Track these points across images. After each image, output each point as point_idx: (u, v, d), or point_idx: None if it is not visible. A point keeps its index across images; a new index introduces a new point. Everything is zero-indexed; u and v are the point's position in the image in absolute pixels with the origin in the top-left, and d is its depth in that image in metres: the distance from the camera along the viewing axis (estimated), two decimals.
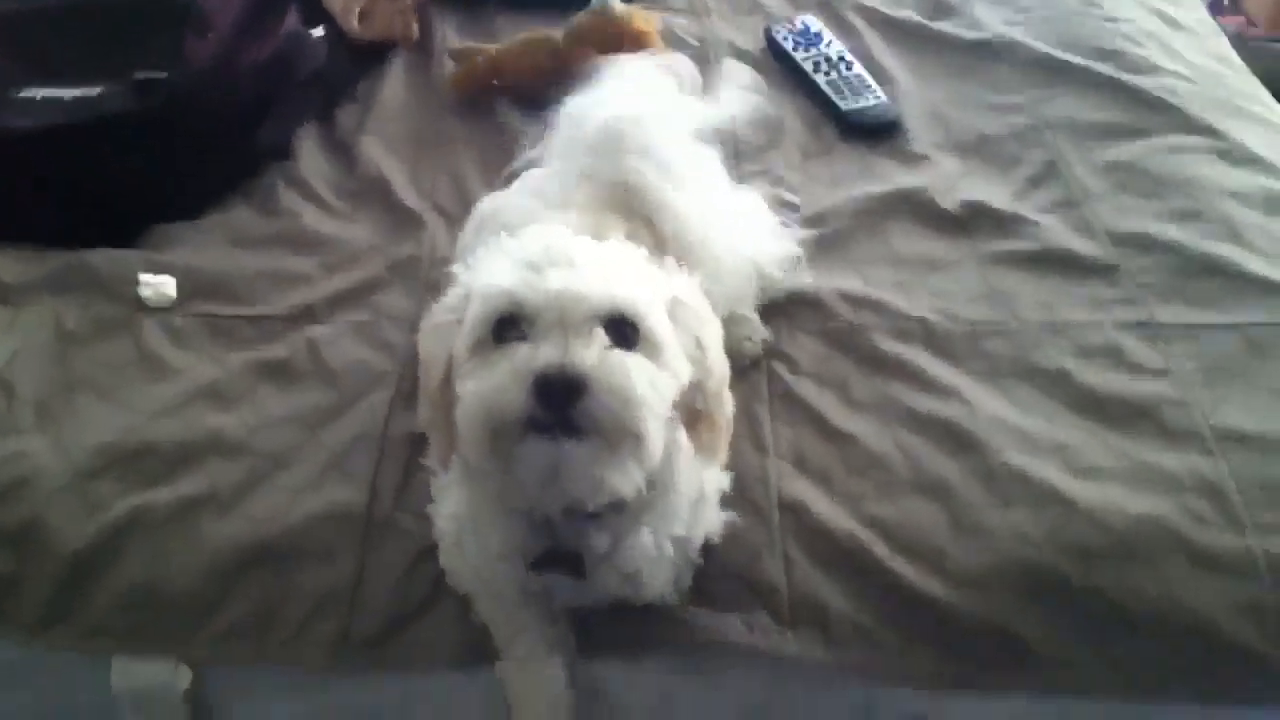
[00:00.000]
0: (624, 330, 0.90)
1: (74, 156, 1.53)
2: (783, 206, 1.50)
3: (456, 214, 1.53)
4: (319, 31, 1.75)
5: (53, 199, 1.52)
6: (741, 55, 1.85)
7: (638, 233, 1.18)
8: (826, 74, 1.75)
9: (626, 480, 0.92)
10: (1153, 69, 1.74)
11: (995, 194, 1.54)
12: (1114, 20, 1.86)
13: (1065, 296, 1.38)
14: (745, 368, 1.29)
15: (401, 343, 1.35)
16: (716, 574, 1.11)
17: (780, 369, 1.32)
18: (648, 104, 1.31)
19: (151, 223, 1.53)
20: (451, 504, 1.09)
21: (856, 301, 1.39)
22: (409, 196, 1.58)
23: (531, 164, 1.40)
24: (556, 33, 1.75)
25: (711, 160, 1.37)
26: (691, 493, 1.06)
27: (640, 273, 0.96)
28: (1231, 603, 1.06)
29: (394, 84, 1.80)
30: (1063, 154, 1.60)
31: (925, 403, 1.26)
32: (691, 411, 0.99)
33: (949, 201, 1.53)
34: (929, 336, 1.34)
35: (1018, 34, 1.84)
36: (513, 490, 0.96)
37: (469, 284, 0.96)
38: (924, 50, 1.84)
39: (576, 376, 0.86)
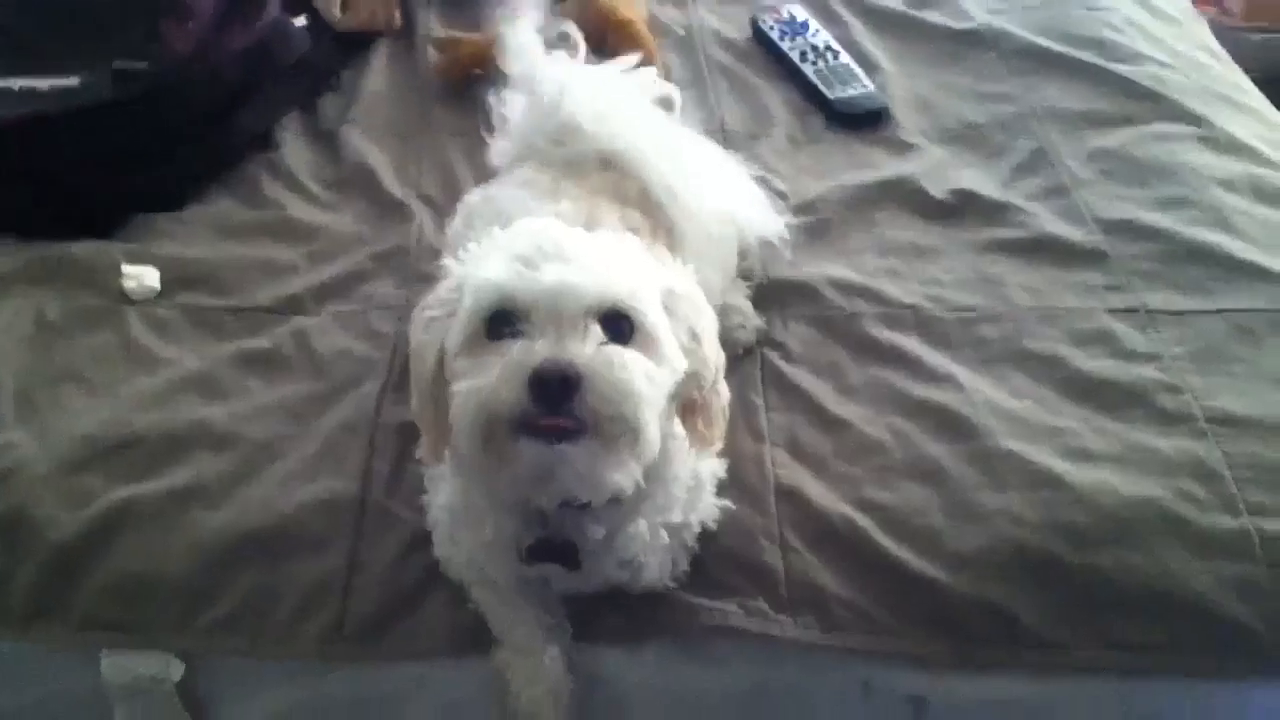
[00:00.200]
0: (619, 324, 0.90)
1: (52, 147, 1.51)
2: (772, 195, 1.49)
3: (443, 203, 1.52)
4: (301, 20, 1.73)
5: (31, 190, 1.50)
6: (727, 44, 1.85)
7: (630, 218, 1.17)
8: (814, 63, 1.74)
9: (625, 476, 0.92)
10: (1137, 57, 1.75)
11: (984, 182, 1.55)
12: (1097, 9, 1.87)
13: (1056, 283, 1.39)
14: (739, 356, 1.29)
15: (390, 332, 1.34)
16: (714, 560, 1.11)
17: (774, 357, 1.31)
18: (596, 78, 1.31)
19: (132, 213, 1.51)
20: (444, 495, 1.08)
21: (848, 289, 1.39)
22: (395, 186, 1.57)
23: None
24: None
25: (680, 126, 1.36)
26: (688, 480, 1.06)
27: (635, 265, 0.95)
28: (1226, 582, 1.07)
29: (377, 73, 1.79)
30: (1050, 142, 1.60)
31: (919, 388, 1.26)
32: (687, 402, 0.98)
33: (938, 189, 1.53)
34: (921, 323, 1.34)
35: (1002, 23, 1.85)
36: (507, 484, 0.95)
37: (461, 277, 0.95)
38: (910, 39, 1.84)
39: (572, 372, 0.85)
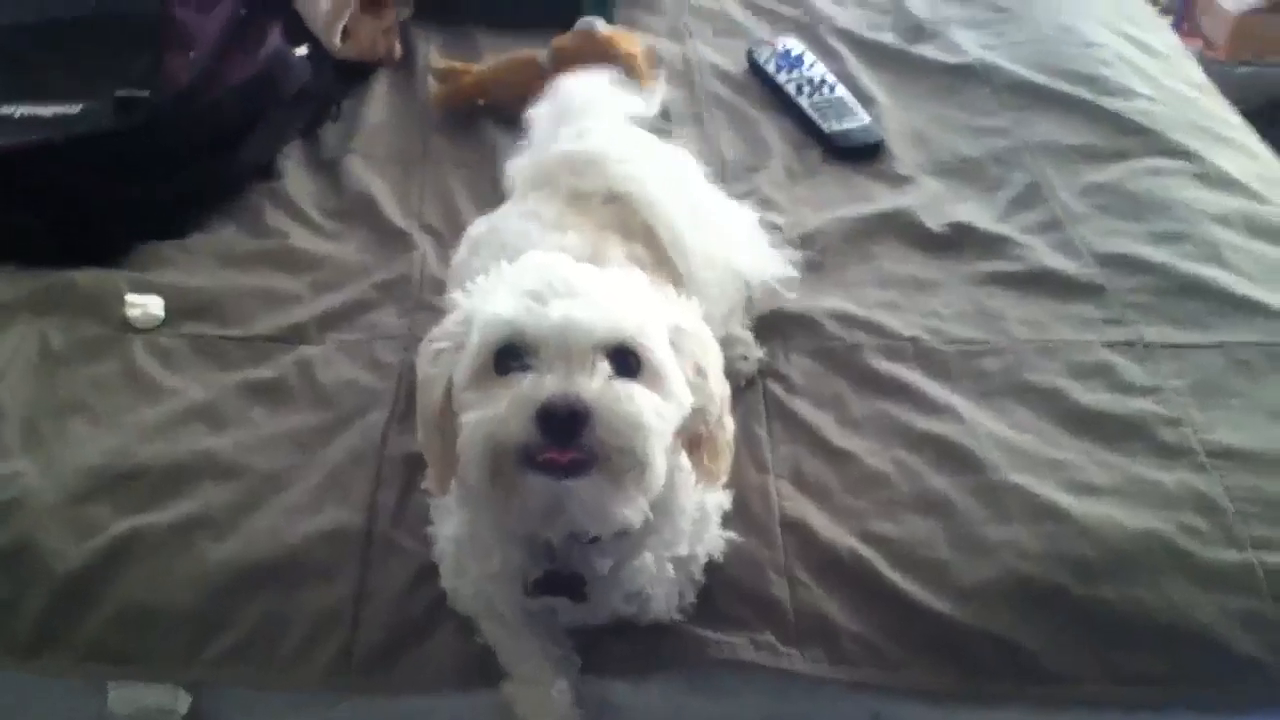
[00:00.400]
0: (627, 359, 0.90)
1: (54, 174, 1.51)
2: (770, 228, 1.50)
3: (445, 233, 1.53)
4: (303, 50, 1.74)
5: (34, 217, 1.50)
6: (724, 77, 1.87)
7: (636, 253, 1.18)
8: (809, 96, 1.76)
9: (632, 509, 0.92)
10: (1128, 93, 1.78)
11: (980, 215, 1.56)
12: (1089, 45, 1.90)
13: (1054, 316, 1.40)
14: (741, 387, 1.30)
15: (395, 362, 1.35)
16: (721, 592, 1.11)
17: (776, 389, 1.32)
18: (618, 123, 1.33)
19: (134, 242, 1.51)
20: (451, 526, 1.08)
21: (849, 321, 1.40)
22: (397, 216, 1.58)
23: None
24: (541, 53, 1.76)
25: (695, 174, 1.38)
26: (693, 513, 1.06)
27: (642, 301, 0.96)
28: (1231, 614, 1.08)
29: (378, 103, 1.80)
30: (1045, 176, 1.62)
31: (921, 421, 1.27)
32: (693, 436, 0.99)
33: (935, 222, 1.55)
34: (921, 356, 1.36)
35: (995, 58, 1.87)
36: (514, 517, 0.95)
37: (470, 310, 0.96)
38: (904, 73, 1.87)
39: (580, 406, 0.86)
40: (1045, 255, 1.49)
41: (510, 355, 0.90)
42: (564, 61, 1.72)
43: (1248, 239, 1.49)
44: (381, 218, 1.57)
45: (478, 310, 0.94)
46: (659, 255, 1.21)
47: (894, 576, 1.11)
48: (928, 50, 1.91)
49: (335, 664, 1.08)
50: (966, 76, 1.84)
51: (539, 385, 0.87)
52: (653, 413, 0.89)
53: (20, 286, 1.41)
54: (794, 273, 1.40)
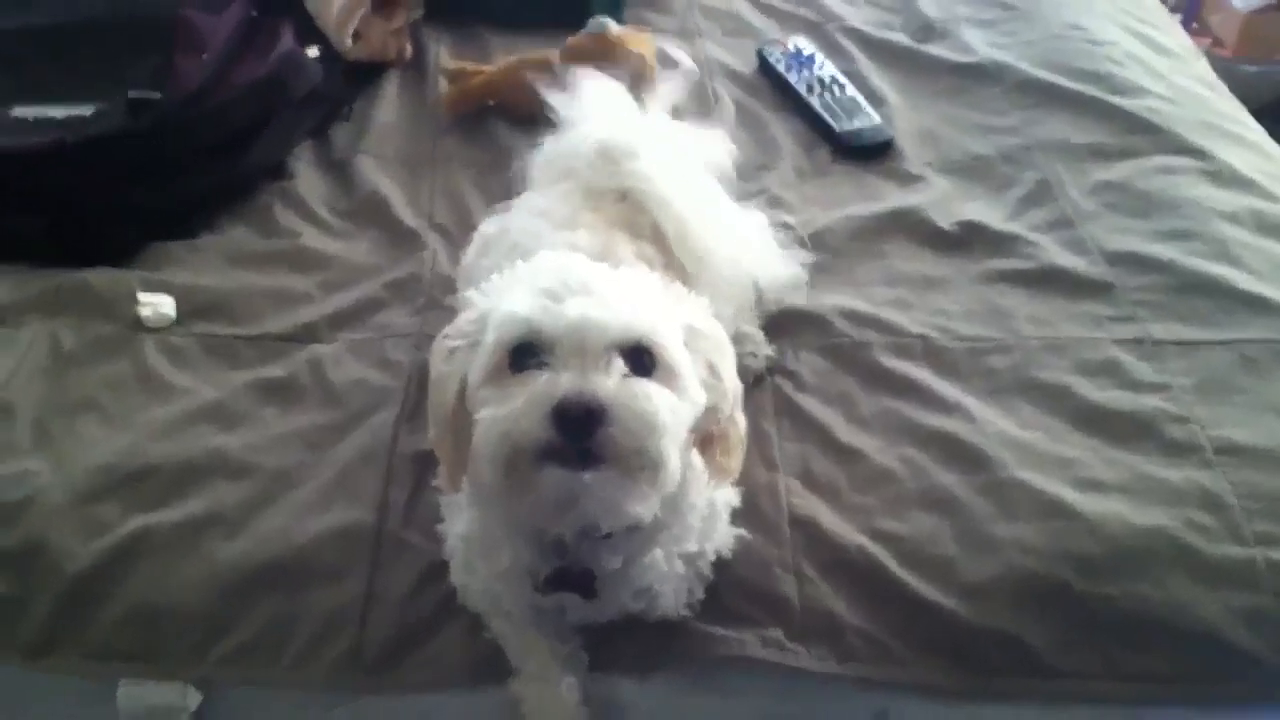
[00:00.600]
0: (641, 358, 0.91)
1: (66, 175, 1.52)
2: (780, 227, 1.51)
3: (456, 233, 1.54)
4: (314, 51, 1.75)
5: (46, 217, 1.51)
6: (734, 76, 1.87)
7: (646, 252, 1.19)
8: (820, 95, 1.77)
9: (645, 506, 0.93)
10: (1138, 91, 1.77)
11: (990, 213, 1.56)
12: (1099, 44, 1.89)
13: (1063, 314, 1.40)
14: (750, 384, 1.30)
15: (405, 361, 1.35)
16: (729, 589, 1.11)
17: (785, 386, 1.33)
18: (640, 123, 1.33)
19: (145, 241, 1.52)
20: (462, 524, 1.08)
21: (858, 319, 1.40)
22: (407, 215, 1.58)
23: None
24: (552, 53, 1.77)
25: (710, 179, 1.38)
26: (703, 510, 1.07)
27: (656, 300, 0.96)
28: (1235, 611, 1.08)
29: (388, 103, 1.81)
30: (1054, 174, 1.62)
31: (929, 418, 1.27)
32: (705, 434, 0.99)
33: (945, 221, 1.55)
34: (930, 353, 1.36)
35: (1005, 57, 1.87)
36: (527, 513, 0.96)
37: (484, 308, 0.96)
38: (914, 72, 1.87)
39: (596, 405, 0.86)
40: (1055, 253, 1.48)
41: (526, 353, 0.90)
42: (575, 62, 1.72)
43: (1257, 237, 1.49)
44: (392, 217, 1.58)
45: (493, 308, 0.94)
46: (668, 253, 1.21)
47: (901, 573, 1.11)
48: (938, 49, 1.91)
49: (344, 662, 1.08)
50: (977, 75, 1.84)
51: (555, 383, 0.87)
52: (667, 411, 0.89)
53: (31, 286, 1.42)
54: (803, 275, 1.40)
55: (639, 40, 1.76)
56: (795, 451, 1.25)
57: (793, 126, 1.76)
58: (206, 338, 1.38)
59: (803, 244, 1.48)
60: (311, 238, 1.54)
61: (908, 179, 1.64)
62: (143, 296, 1.40)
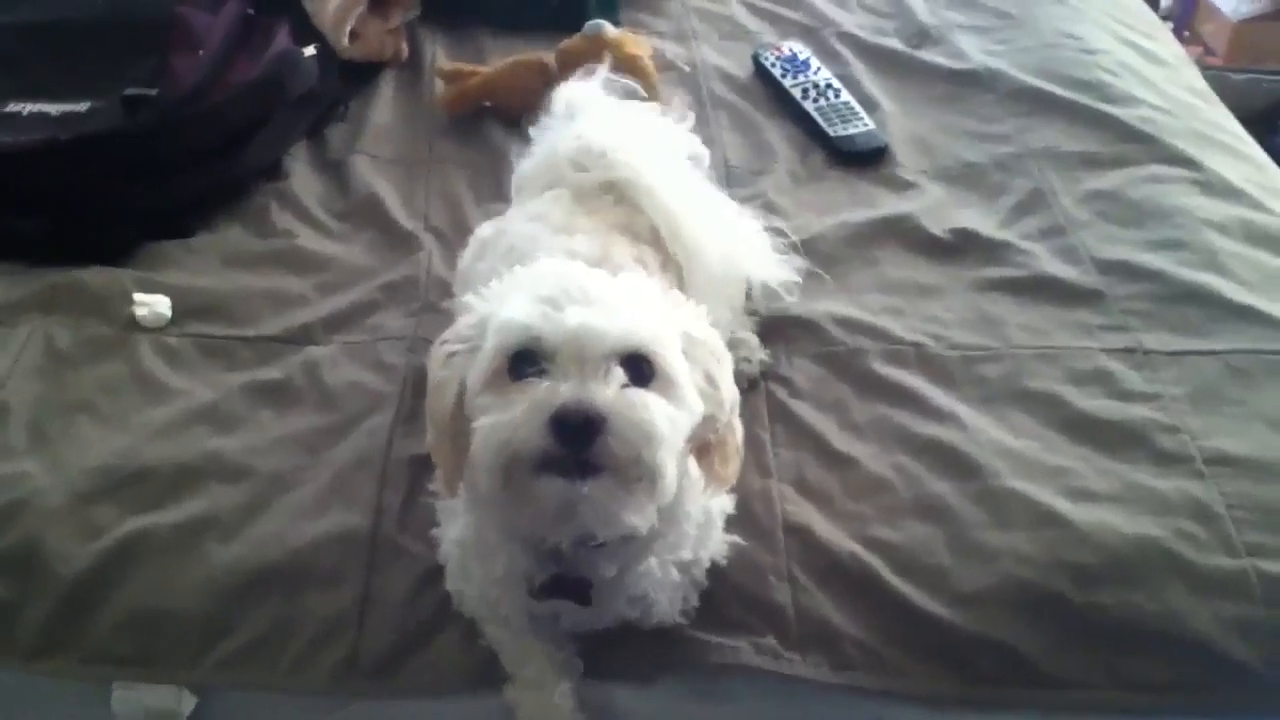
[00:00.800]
0: (640, 367, 0.91)
1: (61, 173, 1.52)
2: (774, 232, 1.51)
3: (451, 235, 1.54)
4: (310, 50, 1.74)
5: (40, 216, 1.50)
6: (729, 80, 1.87)
7: (643, 255, 1.19)
8: (815, 101, 1.77)
9: (642, 517, 0.93)
10: (1130, 100, 1.78)
11: (983, 221, 1.57)
12: (1092, 52, 1.90)
13: (1054, 323, 1.41)
14: (744, 390, 1.30)
15: (400, 364, 1.35)
16: (724, 596, 1.12)
17: (779, 392, 1.33)
18: (619, 114, 1.34)
19: (140, 240, 1.52)
20: (457, 529, 1.09)
21: (851, 326, 1.41)
22: (403, 217, 1.58)
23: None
24: (548, 55, 1.77)
25: (700, 174, 1.39)
26: (698, 517, 1.07)
27: (655, 308, 0.96)
28: (1226, 621, 1.09)
29: (384, 104, 1.81)
30: (1047, 182, 1.63)
31: (923, 426, 1.28)
32: (702, 443, 0.99)
33: (938, 228, 1.55)
34: (923, 361, 1.36)
35: (999, 64, 1.88)
36: (525, 522, 0.96)
37: (484, 314, 0.96)
38: (908, 78, 1.87)
39: (595, 414, 0.86)
40: (1046, 262, 1.49)
41: (525, 360, 0.91)
42: (571, 64, 1.73)
43: (1247, 247, 1.50)
44: (387, 219, 1.58)
45: (493, 314, 0.95)
46: (666, 258, 1.22)
47: (896, 582, 1.12)
48: (932, 55, 1.92)
49: (341, 667, 1.08)
50: (970, 82, 1.85)
51: (554, 392, 0.87)
52: (665, 421, 0.89)
53: (26, 286, 1.42)
54: (796, 276, 1.40)
55: (635, 43, 1.76)
56: (789, 458, 1.26)
57: (787, 131, 1.77)
58: (202, 339, 1.38)
59: (796, 250, 1.49)
60: (307, 239, 1.54)
61: (901, 185, 1.65)
62: (138, 297, 1.40)
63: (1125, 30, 2.02)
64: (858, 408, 1.31)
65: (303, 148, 1.70)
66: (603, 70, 1.44)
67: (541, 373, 0.89)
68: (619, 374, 0.89)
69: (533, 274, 0.98)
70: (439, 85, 1.82)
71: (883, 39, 1.96)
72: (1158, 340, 1.38)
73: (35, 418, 1.26)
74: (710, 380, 0.98)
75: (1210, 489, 1.19)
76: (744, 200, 1.58)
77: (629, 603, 1.06)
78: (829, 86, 1.80)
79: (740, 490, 1.16)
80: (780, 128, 1.77)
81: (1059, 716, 1.08)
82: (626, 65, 1.71)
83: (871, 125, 1.74)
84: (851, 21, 2.01)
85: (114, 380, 1.31)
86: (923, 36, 1.97)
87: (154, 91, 1.60)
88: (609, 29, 1.76)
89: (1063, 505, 1.17)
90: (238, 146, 1.61)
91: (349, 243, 1.54)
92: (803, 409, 1.31)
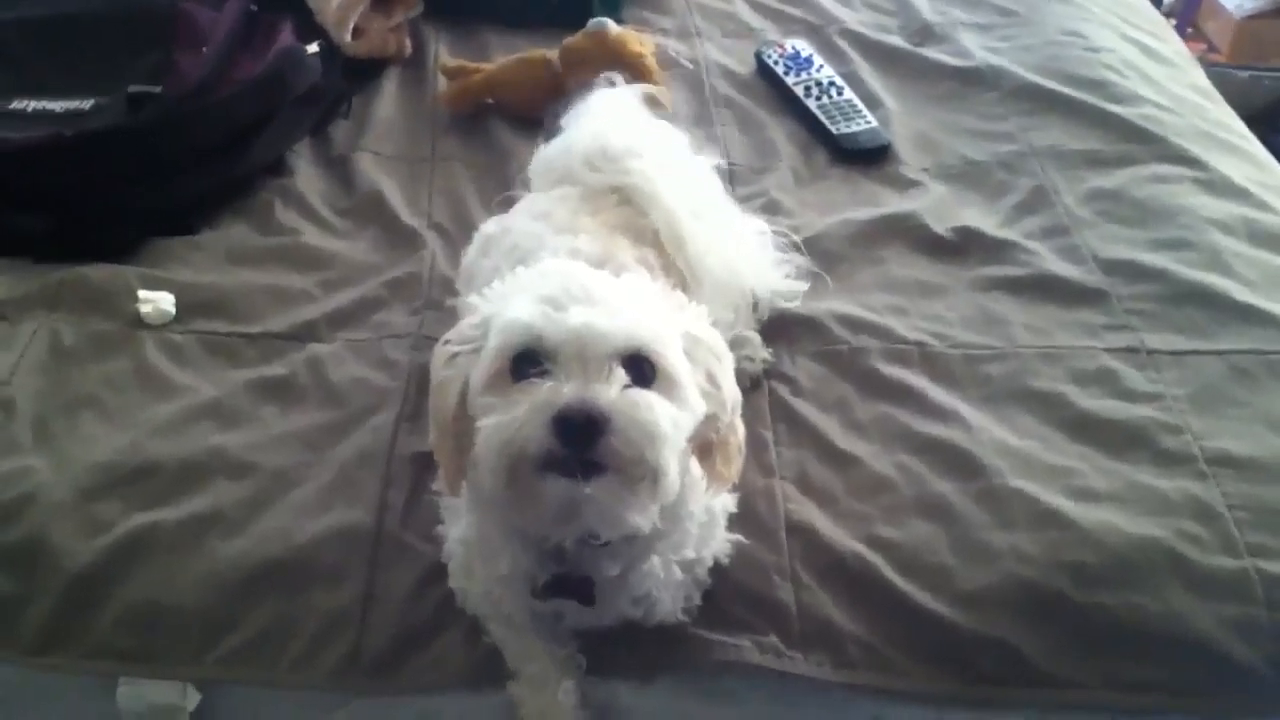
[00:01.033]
0: (642, 367, 0.91)
1: (65, 170, 1.52)
2: (778, 232, 1.51)
3: (454, 232, 1.54)
4: (313, 47, 1.74)
5: (45, 212, 1.51)
6: (733, 78, 1.87)
7: (646, 256, 1.19)
8: (818, 98, 1.77)
9: (644, 517, 0.94)
10: (1134, 99, 1.78)
11: (985, 220, 1.57)
12: (1096, 50, 1.90)
13: (1058, 322, 1.41)
14: (747, 389, 1.30)
15: (404, 361, 1.35)
16: (726, 595, 1.12)
17: (782, 391, 1.33)
18: (640, 124, 1.34)
19: (144, 237, 1.52)
20: (460, 527, 1.09)
21: (854, 324, 1.41)
22: (406, 214, 1.59)
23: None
24: (551, 52, 1.77)
25: (711, 184, 1.39)
26: (701, 516, 1.07)
27: (657, 309, 0.97)
28: (1228, 622, 1.09)
29: (387, 101, 1.81)
30: (1050, 181, 1.63)
31: (925, 426, 1.28)
32: (704, 442, 1.00)
33: (941, 226, 1.55)
34: (926, 360, 1.37)
35: (1002, 62, 1.88)
36: (528, 520, 0.96)
37: (487, 314, 0.96)
38: (911, 76, 1.87)
39: (598, 415, 0.87)
40: (1050, 261, 1.49)
41: (528, 361, 0.91)
42: (574, 62, 1.74)
43: (1250, 246, 1.50)
44: (391, 216, 1.58)
45: (496, 314, 0.95)
46: (668, 259, 1.22)
47: (898, 581, 1.12)
48: (935, 53, 1.92)
49: (344, 664, 1.09)
50: (974, 80, 1.85)
51: (557, 392, 0.88)
52: (668, 421, 0.90)
53: (31, 282, 1.42)
54: (801, 287, 1.41)
55: (638, 41, 1.76)
56: (792, 457, 1.26)
57: (790, 129, 1.77)
58: (206, 335, 1.38)
59: (799, 249, 1.49)
60: (311, 236, 1.54)
61: (904, 184, 1.65)
62: (143, 293, 1.40)
63: (1129, 28, 2.02)
64: (860, 406, 1.31)
65: (306, 145, 1.70)
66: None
67: (544, 373, 0.90)
68: (621, 374, 0.89)
69: (535, 274, 0.99)
70: (442, 82, 1.82)
71: (886, 36, 1.96)
72: (1161, 340, 1.38)
73: (40, 414, 1.26)
74: (712, 380, 0.98)
75: (1212, 489, 1.20)
76: (746, 199, 1.59)
77: (632, 602, 1.06)
78: (832, 84, 1.80)
79: (743, 489, 1.16)
80: (783, 125, 1.77)
81: (1059, 716, 1.09)
82: (631, 64, 1.71)
83: (874, 123, 1.74)
84: (855, 19, 2.01)
85: (119, 376, 1.32)
86: (926, 34, 1.97)
87: (158, 89, 1.60)
88: (612, 26, 1.75)
89: (1065, 505, 1.17)
90: (242, 144, 1.61)
91: (353, 240, 1.54)
92: (805, 408, 1.31)
